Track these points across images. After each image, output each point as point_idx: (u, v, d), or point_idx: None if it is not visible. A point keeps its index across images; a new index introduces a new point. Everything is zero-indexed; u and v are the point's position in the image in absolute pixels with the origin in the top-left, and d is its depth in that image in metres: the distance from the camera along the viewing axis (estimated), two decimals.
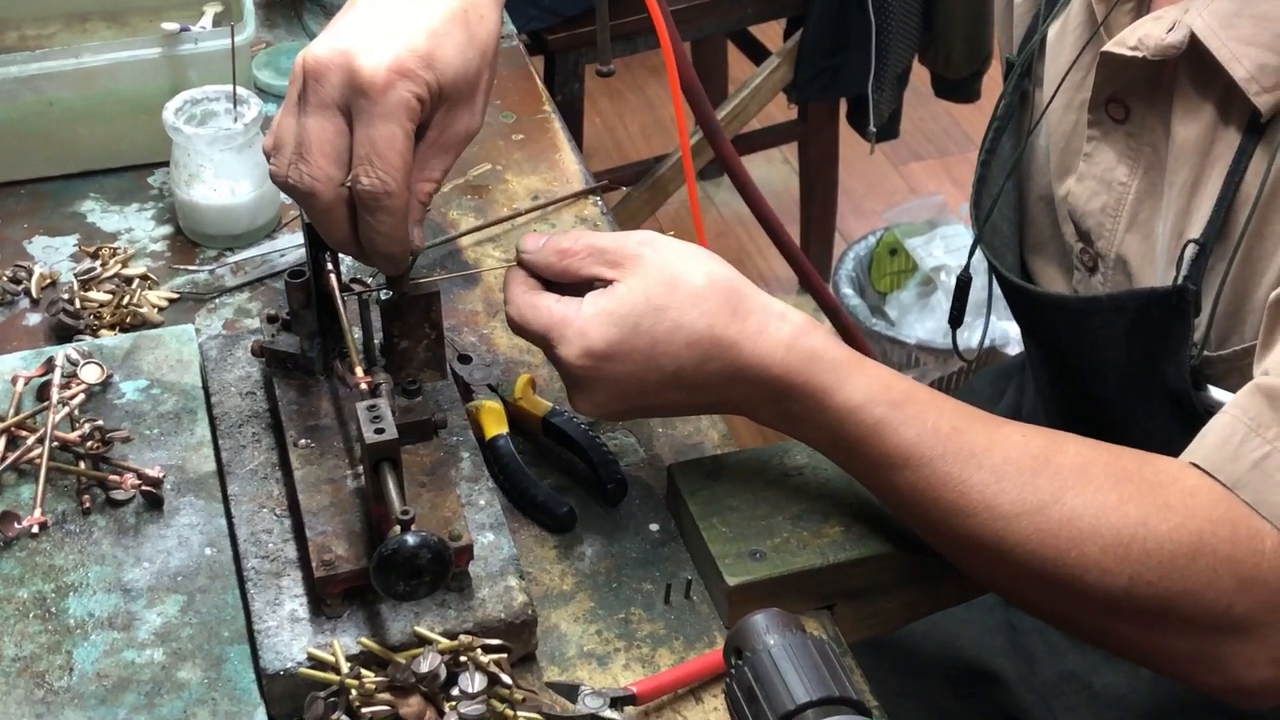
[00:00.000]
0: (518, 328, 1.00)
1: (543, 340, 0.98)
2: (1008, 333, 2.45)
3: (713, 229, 3.02)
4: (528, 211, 1.37)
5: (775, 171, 3.18)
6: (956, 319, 1.24)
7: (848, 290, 2.58)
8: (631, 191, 2.54)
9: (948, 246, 2.60)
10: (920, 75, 2.62)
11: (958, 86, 2.58)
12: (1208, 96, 0.98)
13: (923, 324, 2.53)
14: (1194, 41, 0.96)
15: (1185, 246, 0.99)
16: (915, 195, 3.01)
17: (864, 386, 0.93)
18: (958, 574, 0.99)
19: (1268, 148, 0.94)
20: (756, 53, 2.74)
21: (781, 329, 0.95)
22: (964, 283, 1.21)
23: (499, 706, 0.92)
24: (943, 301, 2.53)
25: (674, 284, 0.95)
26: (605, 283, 0.97)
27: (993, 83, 2.66)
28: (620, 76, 2.28)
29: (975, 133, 3.33)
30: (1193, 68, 0.99)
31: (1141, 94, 1.03)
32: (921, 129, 3.31)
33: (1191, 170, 1.00)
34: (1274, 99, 0.94)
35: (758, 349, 0.94)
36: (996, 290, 1.22)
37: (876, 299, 2.65)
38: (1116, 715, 1.15)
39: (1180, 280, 0.99)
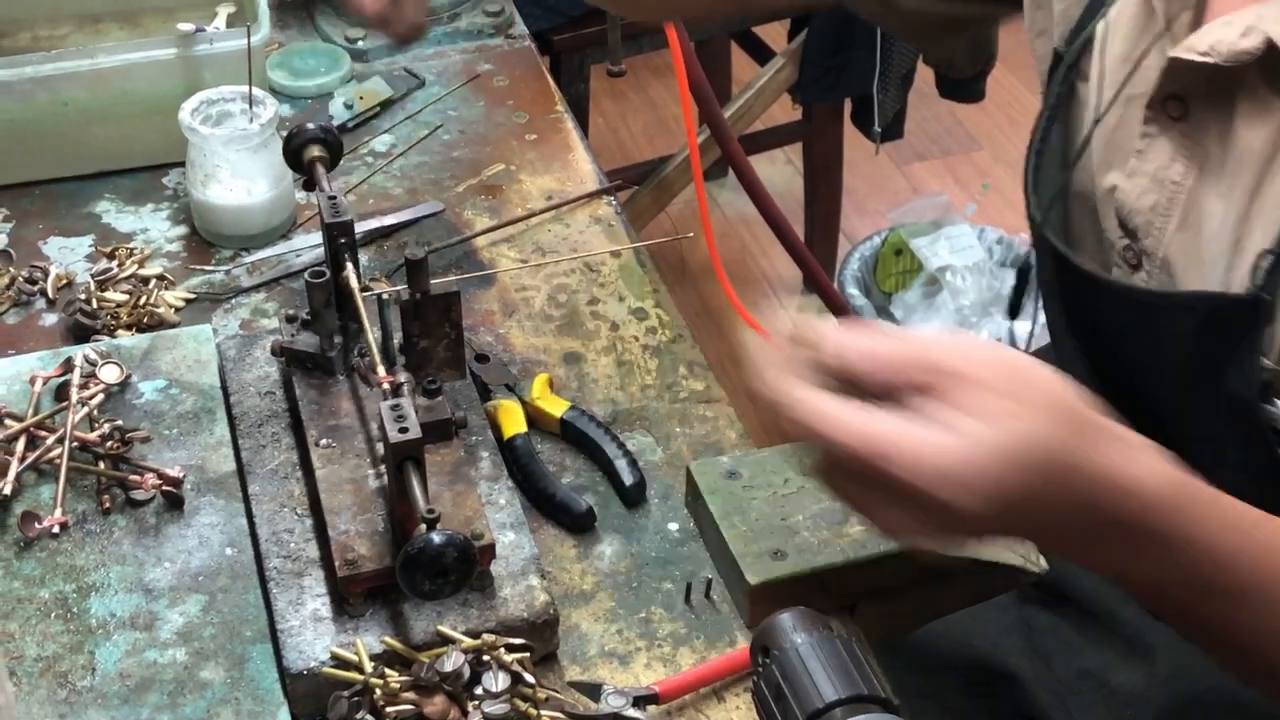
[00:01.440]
0: (842, 446, 0.78)
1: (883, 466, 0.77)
2: (1013, 332, 2.45)
3: (717, 229, 3.01)
4: (542, 211, 1.37)
5: (779, 172, 3.18)
6: (1014, 310, 1.21)
7: (853, 290, 2.58)
8: (637, 191, 2.54)
9: (953, 246, 2.60)
10: (924, 75, 2.62)
11: (962, 86, 2.58)
12: (1278, 102, 0.98)
13: (928, 324, 2.53)
14: (1270, 48, 0.96)
15: (1261, 256, 0.98)
16: (919, 195, 3.01)
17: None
18: (973, 573, 0.99)
19: None
20: (761, 53, 2.74)
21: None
22: (1025, 271, 1.20)
23: (522, 705, 0.93)
24: (948, 301, 2.54)
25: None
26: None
27: (995, 83, 2.67)
28: (624, 77, 2.28)
29: (979, 133, 3.33)
30: (1264, 72, 0.98)
31: (1203, 94, 1.02)
32: (925, 129, 3.31)
33: (1254, 176, 0.99)
34: None
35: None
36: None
37: (882, 299, 2.65)
38: (1134, 714, 1.15)
39: (1256, 289, 0.98)
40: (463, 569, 0.88)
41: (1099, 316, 1.14)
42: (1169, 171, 1.05)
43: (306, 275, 1.05)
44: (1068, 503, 0.80)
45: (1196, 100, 1.03)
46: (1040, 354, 1.32)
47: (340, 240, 1.06)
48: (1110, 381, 1.16)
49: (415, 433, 0.92)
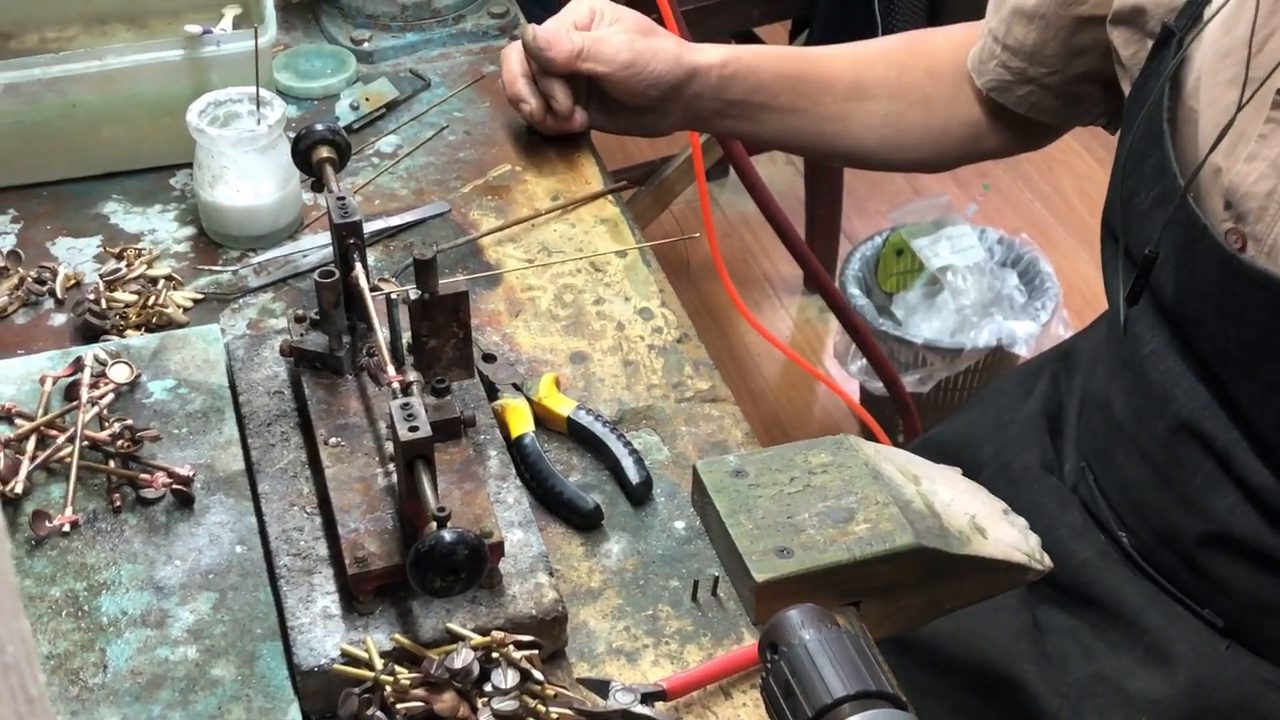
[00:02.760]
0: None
1: None
2: (1014, 332, 2.46)
3: (718, 229, 3.02)
4: (548, 211, 1.38)
5: (779, 173, 3.18)
6: (1134, 297, 1.17)
7: (854, 290, 2.59)
8: (639, 192, 2.55)
9: (954, 247, 2.60)
10: None
11: None
12: None
13: (929, 324, 2.54)
14: None
15: None
16: (920, 196, 3.01)
17: None
18: (980, 571, 0.99)
19: None
20: None
21: None
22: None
23: (531, 702, 0.93)
24: (949, 301, 2.54)
25: None
26: None
27: None
28: None
29: None
30: None
31: None
32: None
33: None
34: None
35: None
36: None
37: (883, 299, 2.65)
38: None
39: None
40: (473, 566, 0.89)
41: (1238, 303, 1.09)
42: None
43: (315, 275, 1.06)
44: None
45: None
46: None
47: (349, 241, 1.07)
48: (1219, 367, 1.12)
49: (425, 431, 0.92)
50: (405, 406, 0.94)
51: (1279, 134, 1.05)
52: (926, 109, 1.41)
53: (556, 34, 1.34)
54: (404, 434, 0.92)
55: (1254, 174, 1.06)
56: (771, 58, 1.39)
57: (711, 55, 1.37)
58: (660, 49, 1.35)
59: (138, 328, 1.23)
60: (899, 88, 1.41)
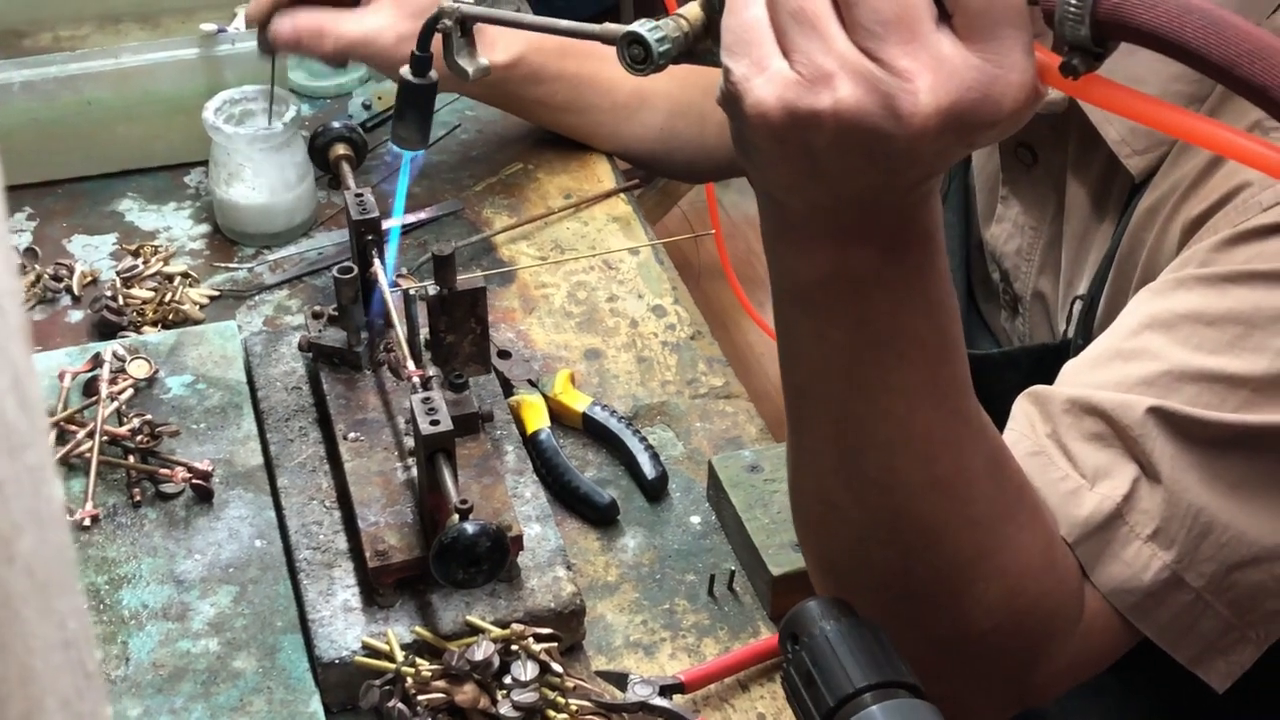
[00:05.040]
0: None
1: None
2: None
3: (724, 230, 3.03)
4: (560, 209, 1.39)
5: None
6: None
7: None
8: (644, 192, 2.56)
9: None
10: None
11: None
12: (1096, 154, 1.00)
13: None
14: (1073, 101, 0.97)
15: (1074, 301, 1.01)
16: None
17: None
18: None
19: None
20: None
21: None
22: None
23: (550, 694, 0.94)
24: None
25: None
26: None
27: None
28: None
29: None
30: (1081, 125, 1.00)
31: (1047, 141, 1.04)
32: None
33: (1081, 223, 1.02)
34: (1144, 161, 0.95)
35: None
36: None
37: None
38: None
39: (1071, 334, 1.01)
40: (495, 558, 0.90)
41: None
42: (1026, 217, 1.08)
43: (334, 271, 1.06)
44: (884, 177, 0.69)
45: (1043, 148, 1.05)
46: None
47: (368, 237, 1.08)
48: None
49: (446, 425, 0.93)
50: (426, 400, 0.94)
51: (1013, 194, 1.08)
52: (701, 127, 1.40)
53: (319, 28, 1.26)
54: (425, 428, 0.92)
55: (1004, 234, 1.10)
56: (558, 56, 1.35)
57: (499, 56, 1.31)
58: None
59: (154, 324, 1.23)
60: (678, 104, 1.39)
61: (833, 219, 0.72)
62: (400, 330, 1.05)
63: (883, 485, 0.81)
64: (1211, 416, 0.84)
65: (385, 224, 1.08)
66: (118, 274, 1.27)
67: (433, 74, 0.99)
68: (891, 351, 0.77)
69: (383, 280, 1.06)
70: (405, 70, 0.98)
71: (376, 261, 1.07)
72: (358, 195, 1.09)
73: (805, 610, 0.84)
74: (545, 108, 1.39)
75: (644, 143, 1.42)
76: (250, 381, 1.15)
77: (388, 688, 0.93)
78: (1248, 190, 0.89)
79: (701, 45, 0.73)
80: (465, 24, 0.95)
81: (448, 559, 0.89)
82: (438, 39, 0.92)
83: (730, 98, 0.68)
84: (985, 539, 0.82)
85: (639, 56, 0.71)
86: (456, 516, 0.90)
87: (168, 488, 1.07)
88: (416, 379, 0.98)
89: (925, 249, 0.75)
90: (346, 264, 1.07)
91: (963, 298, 1.18)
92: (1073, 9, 0.63)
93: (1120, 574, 0.86)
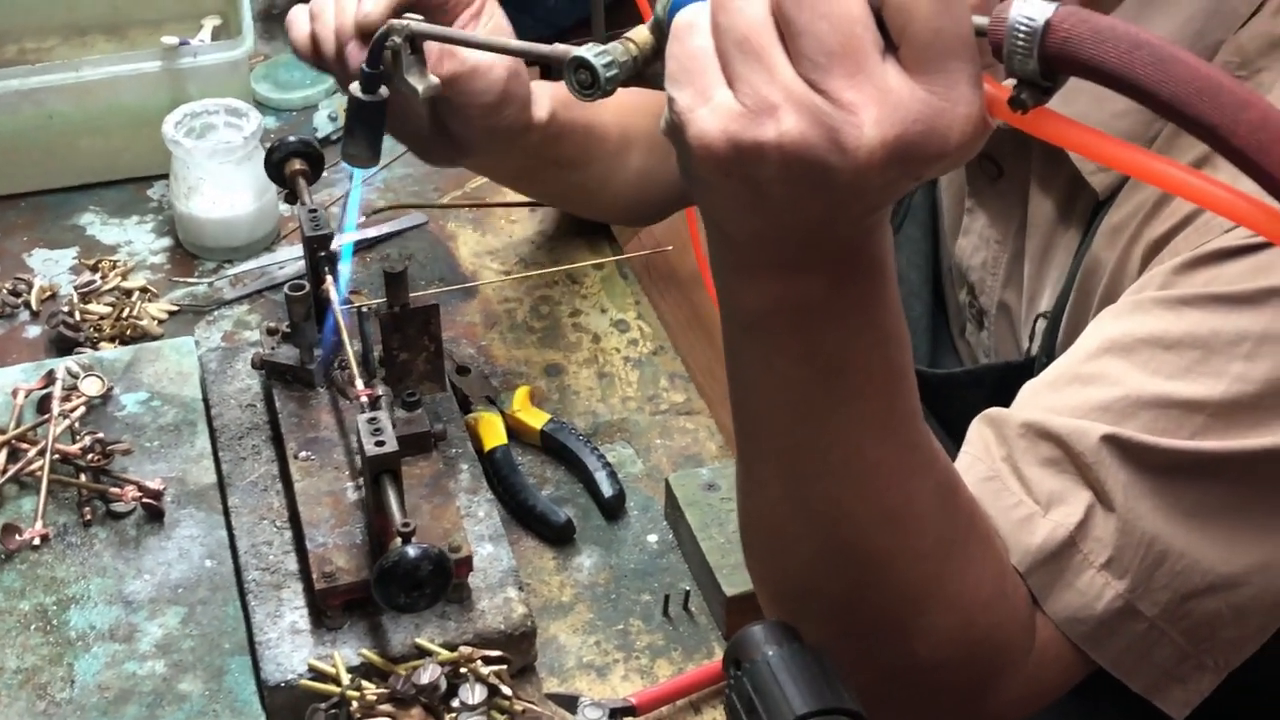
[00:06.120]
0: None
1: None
2: None
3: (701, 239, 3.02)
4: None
5: None
6: None
7: None
8: None
9: None
10: None
11: None
12: (1060, 169, 0.99)
13: None
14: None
15: (1037, 319, 1.00)
16: None
17: None
18: None
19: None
20: None
21: None
22: None
23: (499, 718, 0.93)
24: None
25: None
26: None
27: None
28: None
29: None
30: (1043, 140, 0.99)
31: (1011, 153, 1.03)
32: None
33: (1043, 239, 1.01)
34: (1109, 178, 0.94)
35: None
36: None
37: None
38: None
39: (1035, 351, 1.00)
40: (438, 582, 0.89)
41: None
42: (991, 230, 1.07)
43: (286, 288, 1.06)
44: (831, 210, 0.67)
45: (1007, 161, 1.04)
46: None
47: (320, 253, 1.07)
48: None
49: (391, 446, 0.92)
50: (372, 420, 0.93)
51: (979, 207, 1.07)
52: (670, 162, 1.30)
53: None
54: (370, 448, 0.91)
55: (970, 247, 1.08)
56: (565, 106, 1.15)
57: (540, 112, 1.12)
58: (524, 92, 1.10)
59: (112, 340, 1.23)
60: (654, 141, 1.24)
61: (778, 249, 0.71)
62: (352, 348, 1.04)
63: (830, 516, 0.79)
64: (1166, 444, 0.83)
65: (337, 240, 1.07)
66: (75, 289, 1.26)
67: (383, 90, 0.98)
68: (840, 382, 0.76)
69: (334, 297, 1.05)
70: (355, 87, 0.97)
71: (329, 278, 1.06)
72: (311, 211, 1.08)
73: (749, 635, 0.83)
74: (558, 167, 1.22)
75: (630, 186, 1.28)
76: (205, 398, 1.14)
77: (333, 711, 0.92)
78: (1209, 212, 0.88)
79: (651, 69, 0.72)
80: (415, 41, 0.95)
81: (388, 583, 0.88)
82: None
83: (674, 128, 0.67)
84: (935, 571, 0.81)
85: (586, 81, 0.70)
86: (399, 540, 0.89)
87: (118, 507, 1.06)
88: (365, 398, 0.97)
89: (873, 279, 0.74)
90: (299, 281, 1.06)
91: (928, 313, 1.18)
92: (1021, 42, 0.62)
93: (1073, 603, 0.84)
